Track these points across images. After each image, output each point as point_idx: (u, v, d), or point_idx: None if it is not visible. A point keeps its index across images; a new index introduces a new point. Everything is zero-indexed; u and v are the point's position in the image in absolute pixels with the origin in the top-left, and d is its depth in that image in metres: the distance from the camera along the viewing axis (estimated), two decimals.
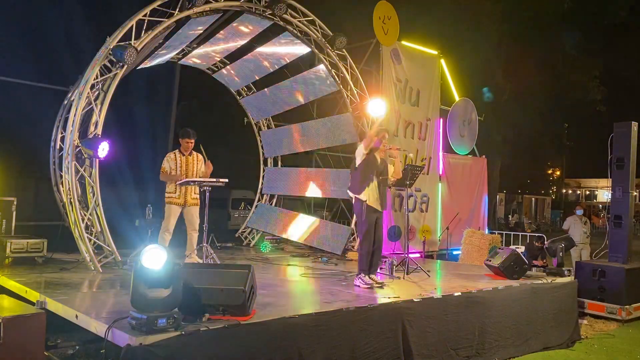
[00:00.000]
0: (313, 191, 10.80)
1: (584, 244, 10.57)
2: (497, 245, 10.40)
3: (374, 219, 6.08)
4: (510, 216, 32.87)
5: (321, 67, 9.59)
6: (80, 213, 6.53)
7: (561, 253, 7.27)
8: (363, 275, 6.01)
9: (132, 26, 6.77)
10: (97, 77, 6.66)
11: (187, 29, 7.80)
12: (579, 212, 10.99)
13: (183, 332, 3.65)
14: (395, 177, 6.44)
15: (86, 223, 6.62)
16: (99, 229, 6.67)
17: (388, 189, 8.98)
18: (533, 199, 41.19)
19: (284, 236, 10.59)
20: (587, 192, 51.90)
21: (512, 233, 13.13)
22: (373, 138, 6.09)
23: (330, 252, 9.37)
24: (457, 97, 12.81)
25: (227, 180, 6.63)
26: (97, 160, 6.56)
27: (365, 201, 6.03)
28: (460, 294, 5.63)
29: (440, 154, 12.02)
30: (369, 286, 5.89)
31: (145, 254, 3.67)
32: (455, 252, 11.47)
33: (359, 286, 5.94)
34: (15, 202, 7.63)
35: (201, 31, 8.54)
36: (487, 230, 12.84)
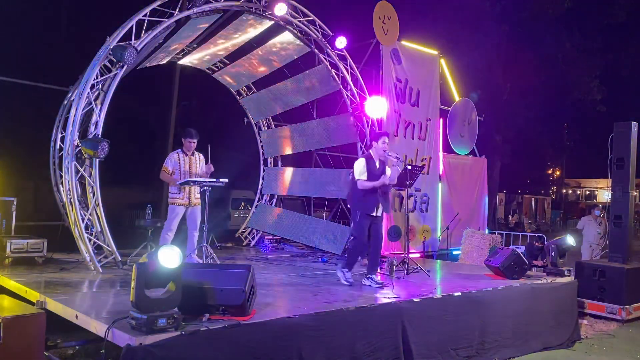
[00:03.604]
0: (313, 191, 10.80)
1: (597, 244, 10.66)
2: (497, 245, 10.41)
3: (368, 224, 6.15)
4: (510, 216, 32.83)
5: (321, 67, 9.60)
6: (80, 213, 6.52)
7: (553, 253, 7.28)
8: (346, 270, 6.15)
9: (132, 26, 6.76)
10: (97, 77, 6.65)
11: (187, 29, 7.80)
12: (597, 212, 11.09)
13: (183, 332, 3.65)
14: (390, 183, 6.45)
15: (86, 223, 6.62)
16: (99, 229, 6.67)
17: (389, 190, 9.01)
18: (533, 199, 41.13)
19: (283, 236, 10.59)
20: (587, 192, 51.86)
21: (512, 233, 13.14)
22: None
23: (330, 252, 9.37)
24: (457, 97, 12.81)
25: (227, 180, 6.64)
26: (97, 160, 6.56)
27: (364, 212, 6.11)
28: (460, 294, 5.64)
29: (440, 154, 12.02)
30: (349, 284, 6.06)
31: (160, 253, 3.66)
32: (455, 252, 11.47)
33: (339, 279, 6.13)
34: (15, 202, 7.62)
35: (201, 31, 8.53)
36: (487, 230, 12.84)
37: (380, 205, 6.12)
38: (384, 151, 6.24)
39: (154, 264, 3.65)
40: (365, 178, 6.09)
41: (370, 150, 6.37)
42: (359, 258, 6.21)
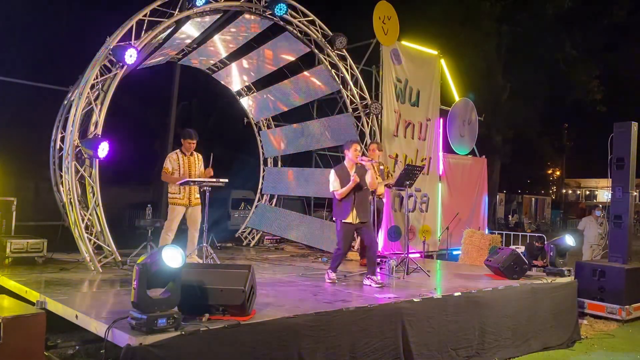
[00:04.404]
0: (313, 191, 10.81)
1: (597, 245, 10.69)
2: (497, 245, 10.40)
3: (350, 231, 6.33)
4: (510, 216, 32.83)
5: (321, 67, 9.60)
6: (80, 213, 6.53)
7: (552, 253, 7.28)
8: (330, 271, 6.39)
9: (132, 26, 6.77)
10: (97, 77, 6.66)
11: (188, 29, 7.80)
12: (598, 212, 11.10)
13: (183, 332, 3.65)
14: (371, 188, 6.47)
15: (86, 223, 6.62)
16: (99, 229, 6.67)
17: (387, 190, 9.03)
18: (533, 199, 41.12)
19: (283, 236, 10.59)
20: (587, 192, 51.88)
21: (512, 233, 13.12)
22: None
23: (330, 252, 9.36)
24: (457, 97, 12.81)
25: (227, 180, 6.64)
26: (97, 160, 6.56)
27: (341, 220, 6.27)
28: (460, 294, 5.63)
29: (440, 154, 12.02)
30: (331, 281, 6.27)
31: (164, 252, 3.66)
32: (455, 252, 11.47)
33: (324, 279, 6.36)
34: (15, 202, 7.63)
35: (199, 33, 8.53)
36: (487, 230, 12.83)
37: (356, 211, 6.20)
38: (356, 157, 6.31)
39: (157, 263, 3.65)
40: (338, 188, 6.26)
41: (344, 161, 6.45)
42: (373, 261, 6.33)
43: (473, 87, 15.64)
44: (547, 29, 20.74)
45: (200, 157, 7.23)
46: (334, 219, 6.50)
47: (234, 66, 10.22)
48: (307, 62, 9.98)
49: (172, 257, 3.68)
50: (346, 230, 6.29)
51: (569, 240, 7.51)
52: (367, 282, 6.16)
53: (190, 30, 8.01)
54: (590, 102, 22.51)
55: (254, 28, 8.76)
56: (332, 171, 6.37)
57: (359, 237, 8.57)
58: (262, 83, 10.73)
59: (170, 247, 3.75)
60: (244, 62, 10.03)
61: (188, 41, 8.75)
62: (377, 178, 7.15)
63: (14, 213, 7.63)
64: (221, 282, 4.06)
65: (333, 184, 6.30)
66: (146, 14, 6.88)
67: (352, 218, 6.20)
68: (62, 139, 7.09)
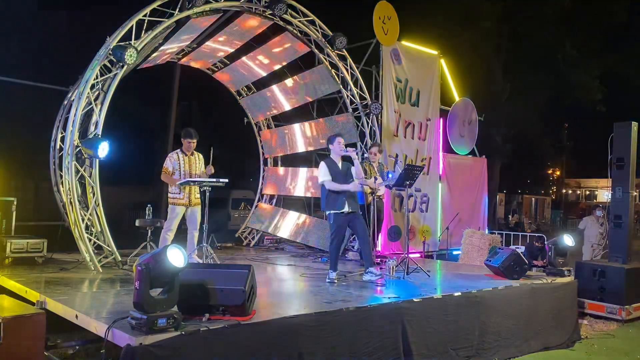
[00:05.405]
0: (313, 191, 10.81)
1: (598, 245, 10.69)
2: (497, 245, 10.39)
3: (344, 223, 6.35)
4: (510, 216, 32.83)
5: (321, 67, 9.60)
6: (80, 213, 6.53)
7: (550, 252, 7.29)
8: (331, 271, 6.34)
9: (132, 26, 6.77)
10: (97, 77, 6.66)
11: (187, 29, 7.80)
12: (599, 212, 11.11)
13: (183, 332, 3.65)
14: (359, 177, 6.52)
15: (86, 223, 6.62)
16: (99, 229, 6.67)
17: (387, 189, 9.03)
18: (533, 199, 41.18)
19: (283, 236, 10.59)
20: (587, 192, 51.88)
21: (512, 233, 13.12)
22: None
23: None
24: (457, 97, 12.81)
25: (227, 180, 6.64)
26: (97, 160, 6.57)
27: (334, 211, 6.30)
28: (460, 294, 5.63)
29: (440, 154, 12.02)
30: (330, 281, 6.22)
31: (169, 252, 3.66)
32: (455, 252, 11.46)
33: (324, 280, 6.31)
34: (15, 202, 7.63)
35: (199, 33, 8.52)
36: (487, 230, 12.83)
37: (347, 201, 6.28)
38: (341, 150, 6.44)
39: (160, 263, 3.65)
40: (330, 179, 6.31)
41: (331, 155, 6.54)
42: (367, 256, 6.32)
43: (473, 87, 15.62)
44: (547, 29, 20.73)
45: (201, 156, 7.24)
46: (326, 212, 6.51)
47: (233, 66, 10.21)
48: (307, 62, 9.98)
49: (176, 257, 3.68)
50: (341, 221, 6.31)
51: (568, 240, 7.52)
52: (367, 277, 6.17)
53: (190, 30, 7.99)
54: (590, 102, 22.49)
55: (253, 28, 8.76)
56: (323, 163, 6.42)
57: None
58: (262, 83, 10.72)
59: (174, 247, 3.75)
60: (244, 62, 10.02)
61: (188, 41, 8.75)
62: (377, 178, 7.16)
63: (14, 213, 7.62)
64: (221, 282, 4.06)
65: (324, 174, 6.33)
66: (146, 14, 6.88)
67: (345, 208, 6.26)
68: (62, 139, 7.08)
